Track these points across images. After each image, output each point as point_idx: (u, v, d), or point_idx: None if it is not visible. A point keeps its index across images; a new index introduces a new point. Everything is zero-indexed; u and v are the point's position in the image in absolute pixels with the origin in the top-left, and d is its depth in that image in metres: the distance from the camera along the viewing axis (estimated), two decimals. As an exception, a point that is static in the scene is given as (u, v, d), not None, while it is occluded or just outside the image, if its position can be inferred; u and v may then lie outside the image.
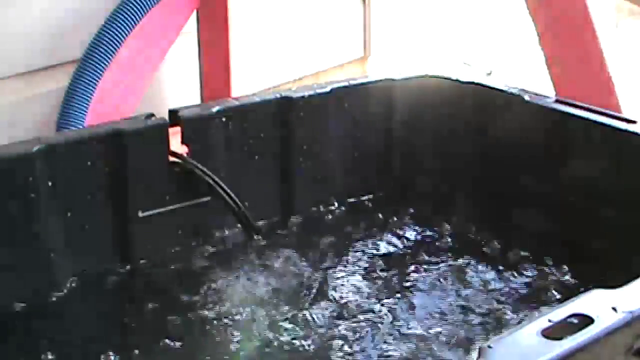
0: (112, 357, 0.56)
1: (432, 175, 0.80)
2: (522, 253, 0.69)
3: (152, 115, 0.68)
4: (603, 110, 0.69)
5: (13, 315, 0.61)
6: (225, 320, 0.61)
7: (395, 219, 0.76)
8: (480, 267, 0.68)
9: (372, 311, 0.62)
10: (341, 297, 0.64)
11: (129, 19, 0.92)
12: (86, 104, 0.90)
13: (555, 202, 0.71)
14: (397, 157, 0.81)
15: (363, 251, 0.71)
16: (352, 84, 0.78)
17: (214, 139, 0.71)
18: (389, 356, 0.57)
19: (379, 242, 0.72)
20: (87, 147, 0.65)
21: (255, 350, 0.57)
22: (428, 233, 0.74)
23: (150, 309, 0.62)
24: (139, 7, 0.93)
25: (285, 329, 0.60)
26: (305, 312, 0.62)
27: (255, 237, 0.72)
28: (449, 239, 0.72)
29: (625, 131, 0.66)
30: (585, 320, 0.43)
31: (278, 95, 0.75)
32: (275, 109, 0.74)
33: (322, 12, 1.30)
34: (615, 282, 0.46)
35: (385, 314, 0.62)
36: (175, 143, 0.69)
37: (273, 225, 0.75)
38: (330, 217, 0.77)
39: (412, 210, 0.77)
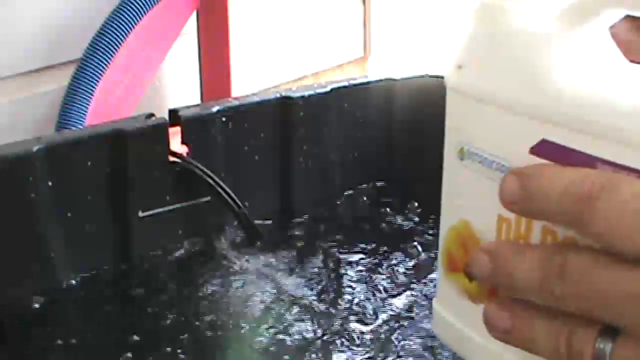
0: (112, 357, 0.56)
1: (433, 175, 0.80)
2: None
3: (152, 115, 0.68)
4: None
5: (12, 315, 0.61)
6: (225, 320, 0.61)
7: (395, 218, 0.76)
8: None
9: (378, 311, 0.62)
10: (344, 297, 0.64)
11: (129, 19, 0.92)
12: (86, 104, 0.90)
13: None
14: (397, 157, 0.81)
15: (364, 251, 0.71)
16: (352, 84, 0.78)
17: (214, 139, 0.71)
18: (400, 356, 0.57)
19: (379, 243, 0.72)
20: (87, 147, 0.65)
21: (257, 351, 0.57)
22: (428, 233, 0.74)
23: (150, 309, 0.62)
24: (139, 7, 0.93)
25: (287, 330, 0.60)
26: (307, 311, 0.62)
27: (254, 237, 0.72)
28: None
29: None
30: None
31: (278, 95, 0.75)
32: (275, 109, 0.74)
33: (322, 12, 1.30)
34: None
35: (393, 314, 0.62)
36: (175, 143, 0.69)
37: (273, 225, 0.75)
38: (330, 217, 0.77)
39: (412, 210, 0.77)
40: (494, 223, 0.40)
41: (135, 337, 0.59)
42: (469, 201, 0.42)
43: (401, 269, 0.68)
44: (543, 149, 0.37)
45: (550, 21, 0.38)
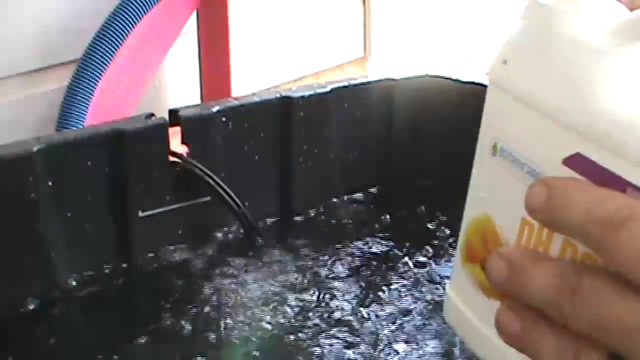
0: (112, 357, 0.56)
1: (433, 175, 0.80)
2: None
3: (152, 115, 0.68)
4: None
5: (12, 316, 0.61)
6: (225, 321, 0.61)
7: (395, 218, 0.76)
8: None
9: (376, 312, 0.62)
10: (343, 298, 0.64)
11: (129, 19, 0.92)
12: (86, 104, 0.90)
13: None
14: (397, 157, 0.81)
15: (364, 251, 0.71)
16: (352, 84, 0.78)
17: (214, 139, 0.71)
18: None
19: (379, 243, 0.72)
20: (87, 147, 0.65)
21: (255, 351, 0.57)
22: (428, 233, 0.74)
23: (150, 309, 0.62)
24: (139, 7, 0.93)
25: (286, 330, 0.60)
26: (306, 312, 0.62)
27: (255, 237, 0.72)
28: (450, 240, 0.73)
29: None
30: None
31: (278, 95, 0.74)
32: (275, 109, 0.74)
33: (322, 12, 1.30)
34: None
35: (390, 316, 0.62)
36: (175, 143, 0.69)
37: (273, 225, 0.75)
38: (330, 217, 0.77)
39: (412, 210, 0.77)
40: (517, 224, 0.39)
41: (135, 338, 0.59)
42: (495, 197, 0.42)
43: (401, 269, 0.68)
44: (576, 162, 0.36)
45: (603, 32, 0.37)
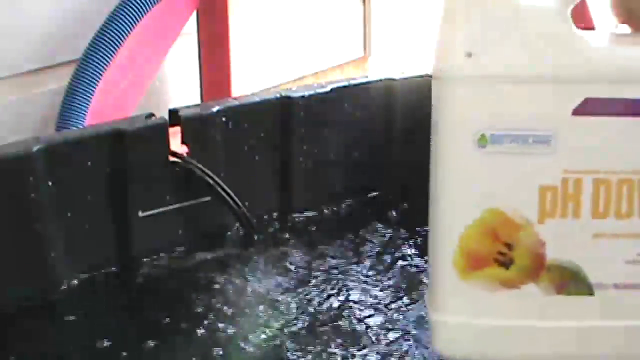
0: (112, 357, 0.56)
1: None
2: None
3: (152, 115, 0.68)
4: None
5: (12, 316, 0.61)
6: (227, 320, 0.61)
7: (395, 219, 0.76)
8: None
9: (374, 314, 0.62)
10: (343, 298, 0.64)
11: (129, 19, 0.92)
12: (86, 104, 0.90)
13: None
14: (397, 157, 0.81)
15: (364, 251, 0.71)
16: (352, 84, 0.78)
17: (214, 139, 0.71)
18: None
19: (379, 243, 0.72)
20: (87, 147, 0.65)
21: (256, 350, 0.58)
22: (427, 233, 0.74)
23: (150, 309, 0.62)
24: (139, 7, 0.93)
25: (286, 330, 0.60)
26: (306, 313, 0.62)
27: (255, 237, 0.72)
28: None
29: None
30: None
31: (278, 95, 0.75)
32: (275, 109, 0.74)
33: (322, 12, 1.30)
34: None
35: (388, 317, 0.62)
36: (175, 143, 0.69)
37: (273, 225, 0.75)
38: (330, 217, 0.77)
39: (412, 210, 0.77)
40: (535, 196, 0.41)
41: (135, 337, 0.59)
42: (499, 186, 0.42)
43: (401, 267, 0.68)
44: (587, 107, 0.39)
45: None
